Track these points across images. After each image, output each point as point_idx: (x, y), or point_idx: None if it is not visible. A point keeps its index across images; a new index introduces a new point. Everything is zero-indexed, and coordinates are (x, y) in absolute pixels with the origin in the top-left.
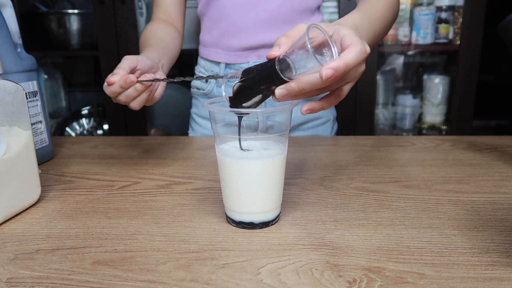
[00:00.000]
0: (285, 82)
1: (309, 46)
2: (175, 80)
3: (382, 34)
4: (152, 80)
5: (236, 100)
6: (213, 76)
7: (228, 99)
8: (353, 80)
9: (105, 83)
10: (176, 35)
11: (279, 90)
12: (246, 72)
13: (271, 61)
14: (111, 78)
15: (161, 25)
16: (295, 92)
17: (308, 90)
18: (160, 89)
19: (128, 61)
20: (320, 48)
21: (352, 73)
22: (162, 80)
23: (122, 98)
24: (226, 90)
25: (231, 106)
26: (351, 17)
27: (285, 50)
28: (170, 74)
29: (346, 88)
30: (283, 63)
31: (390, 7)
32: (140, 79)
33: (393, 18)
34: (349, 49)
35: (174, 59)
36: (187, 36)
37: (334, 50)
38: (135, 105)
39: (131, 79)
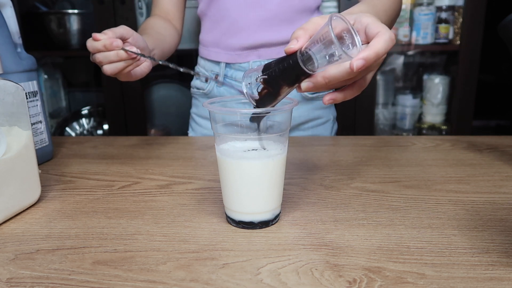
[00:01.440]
0: (309, 75)
1: (333, 37)
2: (160, 62)
3: None
4: (137, 53)
5: (262, 102)
6: (198, 73)
7: (253, 101)
8: (375, 68)
9: (90, 38)
10: (173, 32)
11: (305, 84)
12: (266, 69)
13: (292, 57)
14: (99, 35)
15: (159, 20)
16: (322, 85)
17: (335, 82)
18: (139, 69)
19: (123, 29)
20: (340, 34)
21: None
22: (146, 56)
23: (99, 56)
24: (246, 86)
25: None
26: (358, 8)
27: (304, 43)
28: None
29: (369, 77)
30: (305, 56)
31: (394, 2)
32: (126, 48)
33: (397, 13)
34: (377, 37)
35: (168, 54)
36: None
37: (357, 38)
38: (108, 69)
39: (117, 43)
